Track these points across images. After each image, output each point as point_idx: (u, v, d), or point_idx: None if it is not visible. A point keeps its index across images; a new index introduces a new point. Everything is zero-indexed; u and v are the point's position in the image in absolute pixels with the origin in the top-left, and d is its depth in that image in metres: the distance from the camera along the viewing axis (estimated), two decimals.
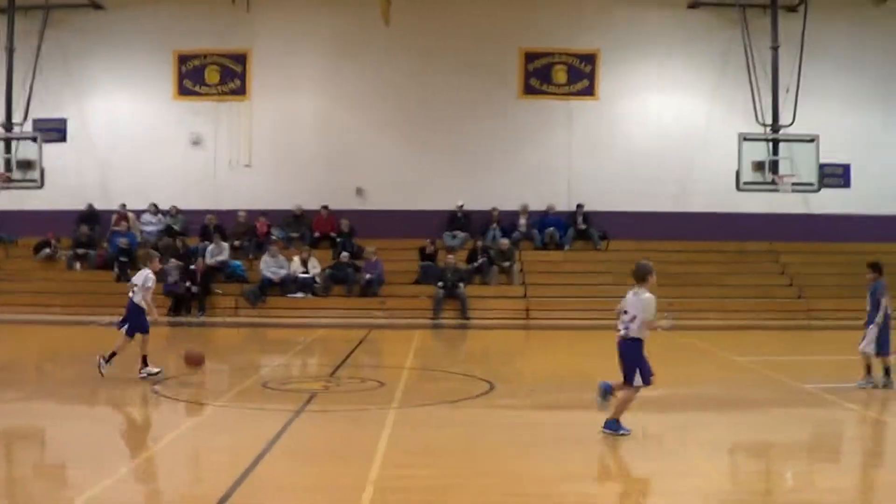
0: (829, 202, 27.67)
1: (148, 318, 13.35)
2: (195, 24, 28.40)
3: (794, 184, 25.58)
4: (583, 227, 27.80)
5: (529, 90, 28.54)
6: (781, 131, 25.83)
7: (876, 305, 13.33)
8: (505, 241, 26.85)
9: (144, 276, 13.29)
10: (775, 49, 26.28)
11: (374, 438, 9.40)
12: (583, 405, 10.78)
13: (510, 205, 27.87)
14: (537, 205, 27.91)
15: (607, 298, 24.81)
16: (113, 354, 13.13)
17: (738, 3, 26.29)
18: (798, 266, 27.19)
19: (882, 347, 13.15)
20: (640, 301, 10.22)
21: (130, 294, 13.34)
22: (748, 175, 25.55)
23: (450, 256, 25.75)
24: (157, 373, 13.15)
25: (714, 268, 26.95)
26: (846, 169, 28.03)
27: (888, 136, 28.52)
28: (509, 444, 9.62)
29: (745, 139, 25.32)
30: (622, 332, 10.15)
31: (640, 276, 10.53)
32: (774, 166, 25.62)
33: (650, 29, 28.29)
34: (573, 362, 16.59)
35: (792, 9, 27.21)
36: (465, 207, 27.78)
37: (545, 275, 26.58)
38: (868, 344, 13.17)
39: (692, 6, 28.22)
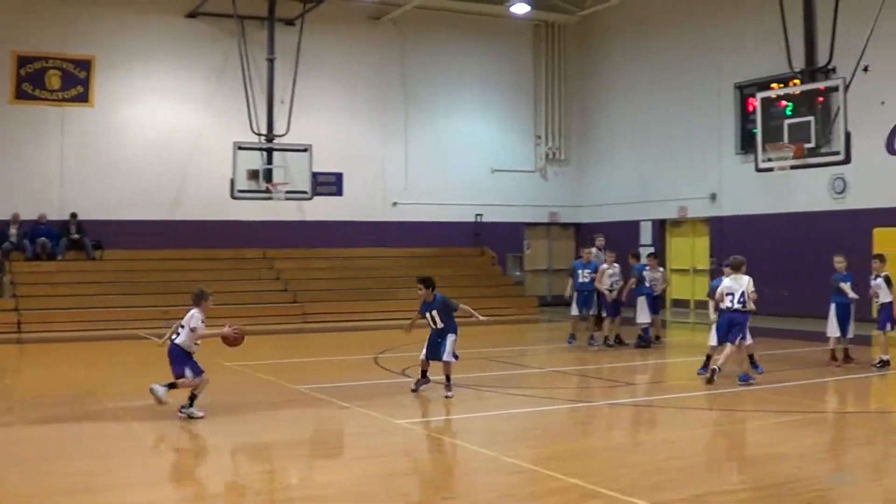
0: (323, 210, 28.93)
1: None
2: (35, 25, 25.21)
3: (287, 192, 26.45)
4: (76, 236, 26.48)
5: (22, 95, 26.53)
6: (276, 141, 26.60)
7: None
8: None
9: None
10: (271, 61, 27.03)
11: None
12: (85, 417, 10.36)
13: (0, 214, 25.93)
14: (28, 214, 26.07)
15: (103, 309, 24.26)
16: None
17: (236, 15, 26.66)
18: (293, 271, 28.05)
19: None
20: (741, 282, 13.67)
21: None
22: (243, 183, 26.04)
23: None
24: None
25: (209, 275, 26.98)
26: (339, 178, 29.42)
27: (378, 147, 30.42)
28: (11, 463, 9.05)
29: (240, 148, 25.78)
30: (731, 307, 13.65)
31: (738, 265, 13.84)
32: (269, 175, 26.34)
33: (149, 37, 27.66)
34: (70, 374, 15.89)
35: (289, 22, 28.13)
36: None
37: (38, 286, 25.10)
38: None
39: (191, 15, 28.00)
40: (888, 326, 15.25)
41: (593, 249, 20.14)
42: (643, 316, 18.78)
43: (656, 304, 19.33)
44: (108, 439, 10.33)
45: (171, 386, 11.13)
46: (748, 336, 14.06)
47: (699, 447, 9.92)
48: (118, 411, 11.81)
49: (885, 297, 15.24)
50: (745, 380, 13.69)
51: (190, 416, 11.06)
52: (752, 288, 13.71)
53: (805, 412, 11.97)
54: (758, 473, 8.60)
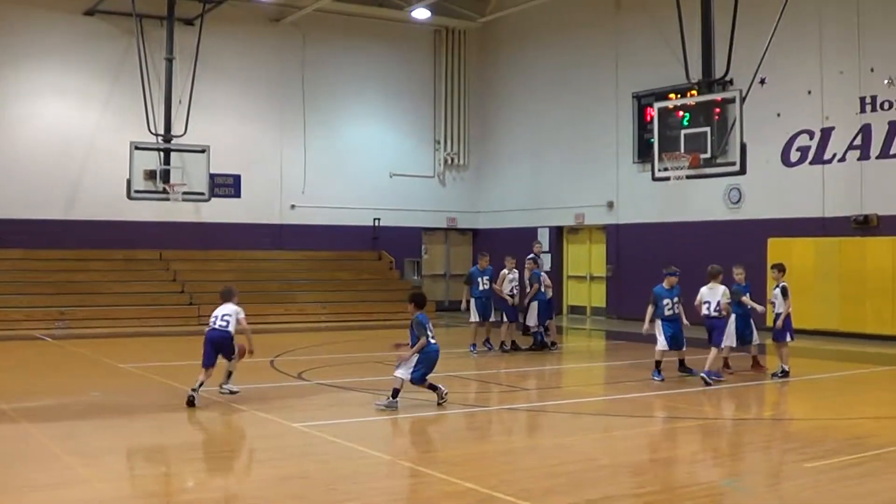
0: (220, 211, 28.61)
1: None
2: None
3: (185, 193, 26.08)
4: None
5: None
6: (174, 141, 26.20)
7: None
8: None
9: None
10: (170, 61, 26.61)
11: None
12: None
13: None
14: None
15: (1, 308, 23.62)
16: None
17: (135, 13, 26.17)
18: (189, 273, 27.68)
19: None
20: (716, 291, 14.79)
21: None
22: (140, 183, 25.60)
23: None
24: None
25: (105, 276, 26.54)
26: (237, 179, 29.10)
27: (276, 149, 30.20)
28: None
29: (136, 148, 25.32)
30: (710, 314, 14.79)
31: (715, 274, 14.96)
32: (166, 175, 25.94)
33: (45, 33, 26.97)
34: None
35: (188, 22, 27.76)
36: None
37: None
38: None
39: (88, 13, 27.40)
40: (787, 337, 15.30)
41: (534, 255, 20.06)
42: (533, 319, 18.99)
43: (550, 308, 19.51)
44: (1, 441, 10.11)
45: (229, 375, 13.06)
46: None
47: (593, 452, 10.05)
48: (11, 413, 11.52)
49: (778, 307, 15.29)
50: (714, 377, 14.59)
51: (231, 392, 12.89)
52: (727, 298, 14.81)
53: (700, 419, 12.20)
54: (651, 478, 8.76)
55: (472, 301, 19.32)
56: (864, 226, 21.96)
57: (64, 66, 27.42)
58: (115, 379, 15.17)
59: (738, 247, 22.60)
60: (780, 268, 15.78)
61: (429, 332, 12.11)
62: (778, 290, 15.37)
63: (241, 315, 13.06)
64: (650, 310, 15.30)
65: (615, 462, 9.50)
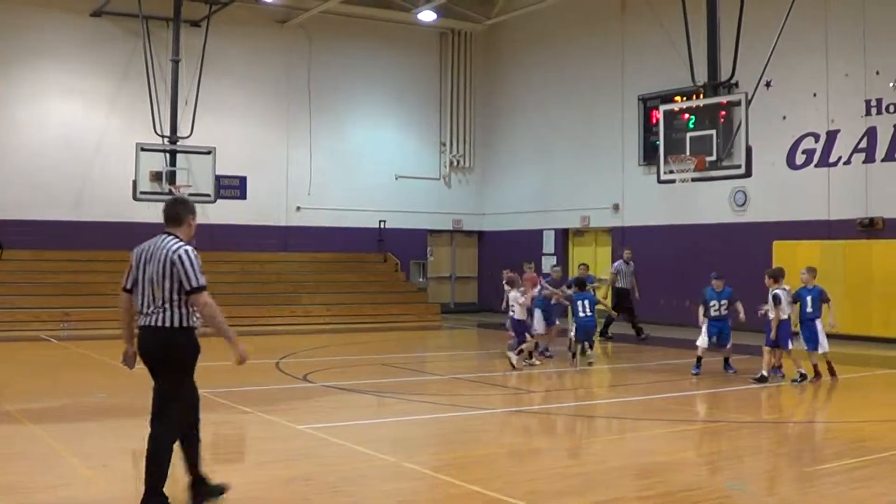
0: (226, 213, 28.62)
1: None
2: None
3: (190, 194, 26.05)
4: None
5: None
6: (179, 143, 26.23)
7: None
8: None
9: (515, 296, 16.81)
10: (176, 62, 26.63)
11: None
12: None
13: None
14: None
15: (3, 310, 23.67)
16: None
17: (141, 15, 26.23)
18: None
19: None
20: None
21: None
22: (146, 185, 25.60)
23: None
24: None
25: (111, 277, 26.35)
26: (242, 181, 29.09)
27: (282, 151, 30.25)
28: None
29: (142, 149, 25.33)
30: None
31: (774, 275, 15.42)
32: (172, 177, 25.94)
33: (52, 34, 27.10)
34: None
35: (195, 23, 27.80)
36: None
37: None
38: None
39: (95, 14, 27.51)
40: (789, 343, 15.16)
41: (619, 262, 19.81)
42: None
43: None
44: (4, 441, 10.15)
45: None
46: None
47: (599, 455, 10.06)
48: (17, 413, 11.54)
49: (770, 313, 15.10)
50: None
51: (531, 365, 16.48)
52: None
53: (705, 421, 12.21)
54: (657, 481, 8.76)
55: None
56: (870, 228, 21.96)
57: (70, 68, 27.49)
58: (121, 380, 15.10)
59: (744, 249, 22.61)
60: (772, 274, 15.52)
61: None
62: (770, 298, 15.17)
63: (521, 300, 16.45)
64: (700, 310, 16.32)
65: (623, 464, 9.51)
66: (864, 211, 22.16)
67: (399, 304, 28.47)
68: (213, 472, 9.19)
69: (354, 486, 8.36)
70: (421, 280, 32.18)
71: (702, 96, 19.47)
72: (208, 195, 26.18)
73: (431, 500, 8.10)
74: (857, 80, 22.36)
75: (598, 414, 12.74)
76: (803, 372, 15.04)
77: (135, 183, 25.26)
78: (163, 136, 26.18)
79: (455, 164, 33.18)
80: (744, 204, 24.83)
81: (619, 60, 28.57)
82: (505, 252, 32.08)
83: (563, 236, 30.74)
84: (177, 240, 7.61)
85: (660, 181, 20.32)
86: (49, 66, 27.22)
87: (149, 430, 7.36)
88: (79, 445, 10.03)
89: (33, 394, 13.29)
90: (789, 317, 15.25)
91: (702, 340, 16.06)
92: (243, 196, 29.20)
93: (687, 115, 19.21)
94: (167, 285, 7.40)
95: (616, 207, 28.68)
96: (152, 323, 7.44)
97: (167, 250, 7.46)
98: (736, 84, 19.92)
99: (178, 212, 7.76)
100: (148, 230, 30.04)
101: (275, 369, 16.42)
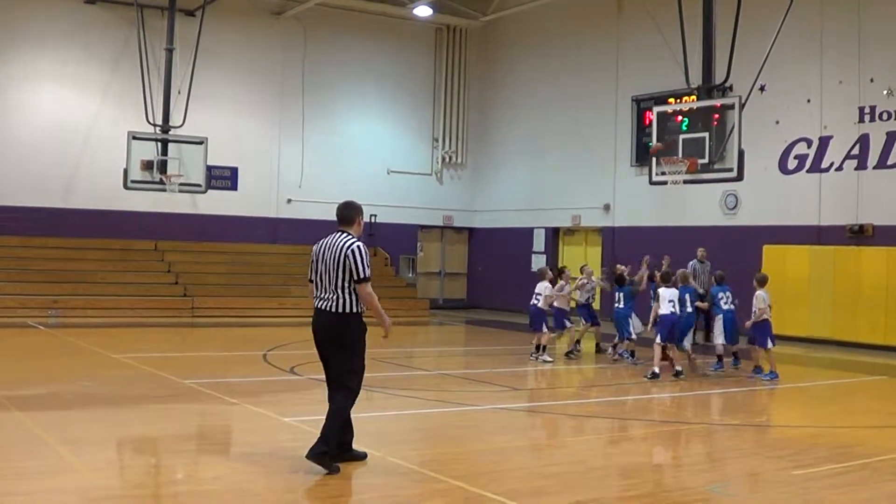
0: (216, 204, 28.58)
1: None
2: None
3: (182, 184, 26.05)
4: None
5: None
6: (172, 132, 26.17)
7: None
8: None
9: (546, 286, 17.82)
10: (170, 51, 26.56)
11: None
12: None
13: None
14: None
15: None
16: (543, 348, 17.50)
17: (136, 3, 26.14)
18: (184, 265, 27.68)
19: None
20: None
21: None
22: (137, 174, 25.54)
23: None
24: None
25: (100, 265, 26.53)
26: (234, 172, 29.03)
27: (274, 142, 30.21)
28: None
29: (134, 138, 25.26)
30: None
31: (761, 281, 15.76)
32: (163, 166, 25.89)
33: (45, 21, 26.91)
34: None
35: (190, 13, 27.70)
36: None
37: None
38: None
39: (89, 1, 27.39)
40: (768, 343, 15.63)
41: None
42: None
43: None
44: None
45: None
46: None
47: (582, 454, 10.07)
48: (2, 400, 11.53)
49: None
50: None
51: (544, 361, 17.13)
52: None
53: (689, 423, 12.23)
54: (638, 481, 8.79)
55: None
56: (860, 235, 22.02)
57: (63, 54, 27.35)
58: (108, 369, 15.17)
59: (733, 253, 22.62)
60: (757, 279, 16.08)
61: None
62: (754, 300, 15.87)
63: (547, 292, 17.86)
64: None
65: (606, 464, 9.52)
66: (855, 217, 22.21)
67: (388, 299, 28.30)
68: (198, 462, 9.21)
69: (339, 479, 8.37)
70: (410, 275, 32.16)
71: (696, 99, 19.52)
72: (199, 185, 26.14)
73: (414, 494, 8.11)
74: (850, 87, 22.41)
75: (584, 413, 12.75)
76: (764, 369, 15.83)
77: (126, 171, 25.18)
78: (155, 125, 26.11)
79: (447, 160, 33.17)
80: (734, 207, 24.88)
81: (613, 60, 28.59)
82: (495, 249, 32.13)
83: (553, 235, 30.75)
84: (350, 236, 8.83)
85: (651, 182, 20.37)
86: (42, 53, 27.08)
87: (327, 397, 8.88)
88: (64, 433, 10.01)
89: (20, 381, 13.25)
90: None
91: (719, 338, 16.53)
92: (234, 187, 29.13)
93: (680, 117, 19.25)
94: (340, 274, 8.60)
95: (607, 207, 28.70)
96: (327, 308, 8.67)
97: (342, 245, 8.69)
98: (730, 87, 19.97)
99: (348, 213, 9.06)
100: (138, 219, 30.15)
101: (262, 361, 16.41)
